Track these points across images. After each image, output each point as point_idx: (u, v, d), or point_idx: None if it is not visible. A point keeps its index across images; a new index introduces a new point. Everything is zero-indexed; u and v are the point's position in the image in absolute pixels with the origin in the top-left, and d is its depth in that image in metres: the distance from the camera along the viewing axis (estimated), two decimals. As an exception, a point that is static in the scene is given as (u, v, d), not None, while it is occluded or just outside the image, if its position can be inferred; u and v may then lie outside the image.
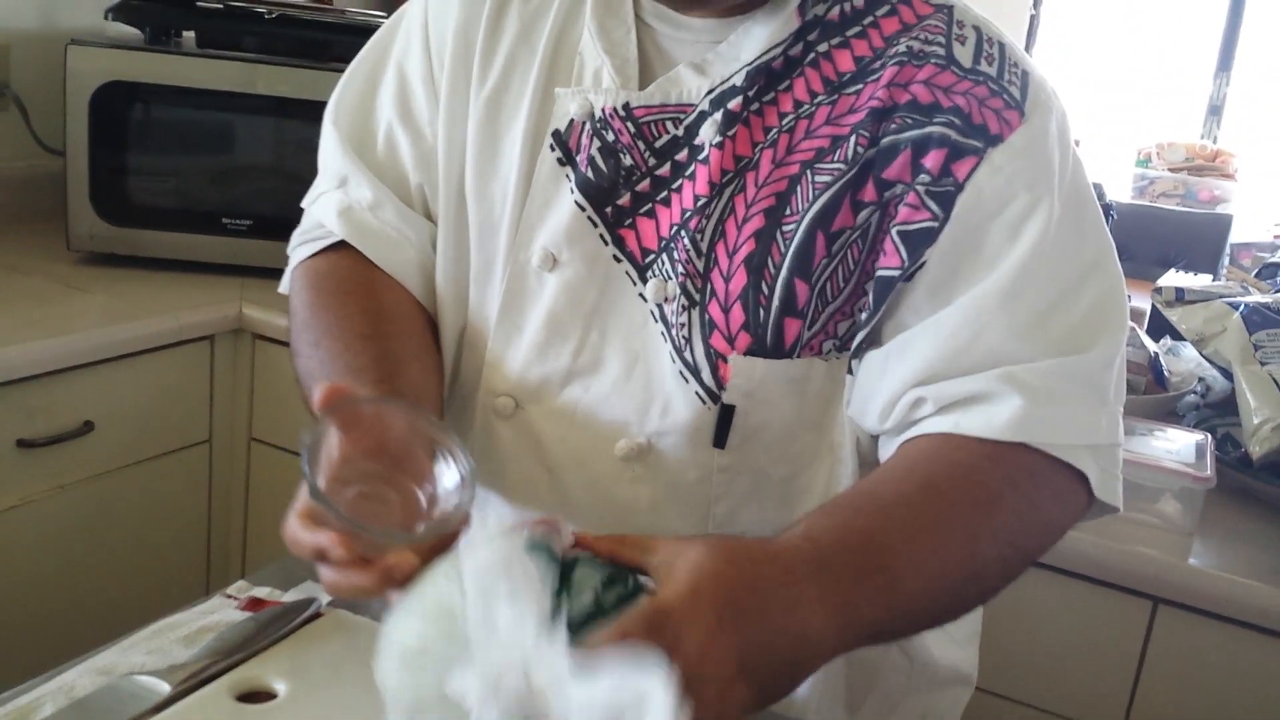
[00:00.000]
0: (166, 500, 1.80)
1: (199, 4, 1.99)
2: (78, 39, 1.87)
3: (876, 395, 0.86)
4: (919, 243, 0.83)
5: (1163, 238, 3.03)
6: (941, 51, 0.84)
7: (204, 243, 1.92)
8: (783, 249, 0.85)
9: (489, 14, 0.94)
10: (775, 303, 0.86)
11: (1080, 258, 0.85)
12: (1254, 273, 1.97)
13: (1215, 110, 3.88)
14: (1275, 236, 2.95)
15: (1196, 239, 3.11)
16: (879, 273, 0.85)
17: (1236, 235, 3.19)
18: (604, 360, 0.91)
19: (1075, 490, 0.83)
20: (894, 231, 0.84)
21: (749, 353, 0.87)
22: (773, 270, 0.86)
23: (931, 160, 0.82)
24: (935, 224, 0.82)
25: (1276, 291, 1.70)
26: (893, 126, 0.84)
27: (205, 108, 1.92)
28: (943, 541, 0.75)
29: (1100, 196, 2.46)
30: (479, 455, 0.95)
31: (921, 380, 0.83)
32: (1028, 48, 3.95)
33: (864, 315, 0.86)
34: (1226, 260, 2.98)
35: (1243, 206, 3.45)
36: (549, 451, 0.93)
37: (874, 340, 0.87)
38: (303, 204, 1.03)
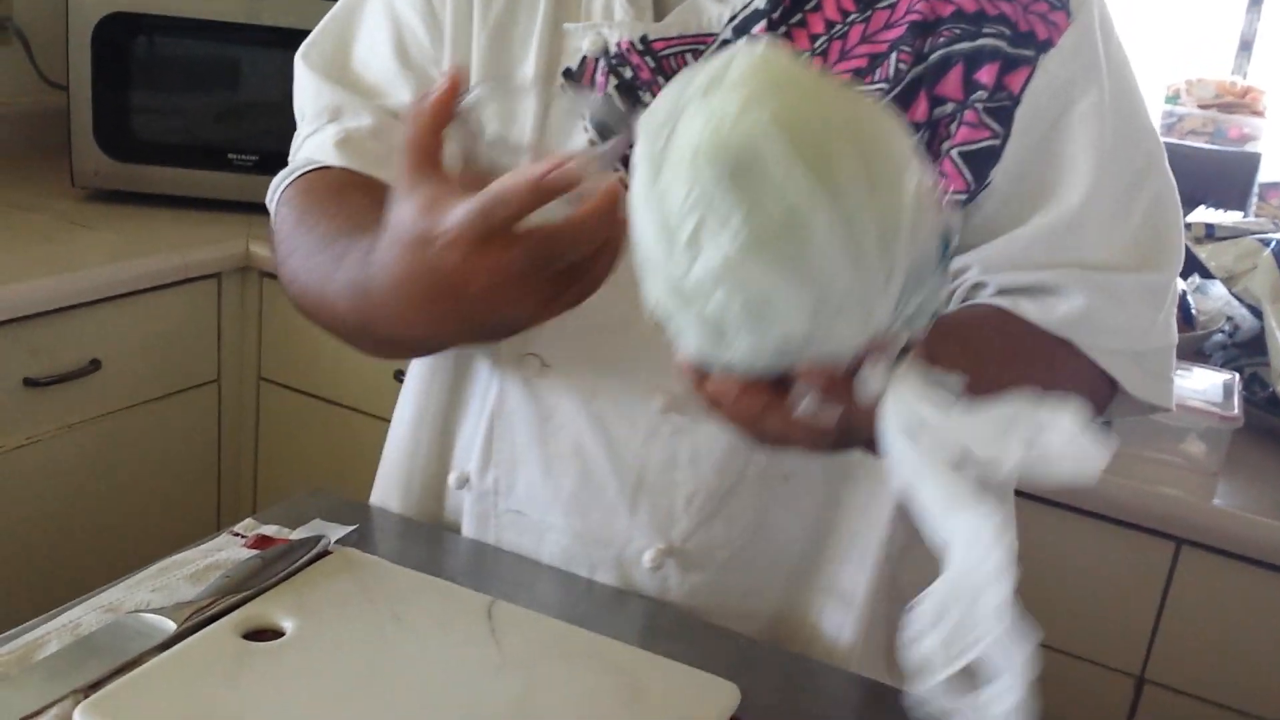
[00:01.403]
0: (175, 440, 1.79)
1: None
2: (80, -31, 1.83)
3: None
4: (984, 163, 0.81)
5: (1191, 175, 2.97)
6: None
7: (210, 179, 1.90)
8: None
9: None
10: None
11: (1135, 158, 0.84)
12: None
13: (1246, 46, 3.80)
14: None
15: (1225, 177, 3.06)
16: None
17: (1266, 174, 3.13)
18: (633, 308, 0.87)
19: (1104, 390, 0.85)
20: (954, 154, 0.81)
21: None
22: None
23: (986, 74, 0.80)
24: (997, 142, 0.80)
25: (1309, 227, 1.66)
26: (940, 40, 0.80)
27: (209, 39, 1.89)
28: (1008, 365, 0.78)
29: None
30: (504, 420, 0.92)
31: (987, 271, 0.82)
32: (1052, -19, 3.87)
33: None
34: (1255, 199, 2.93)
35: (1273, 144, 3.39)
36: (580, 411, 0.89)
37: None
38: (290, 155, 0.96)
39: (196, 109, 1.94)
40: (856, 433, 0.58)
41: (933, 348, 0.66)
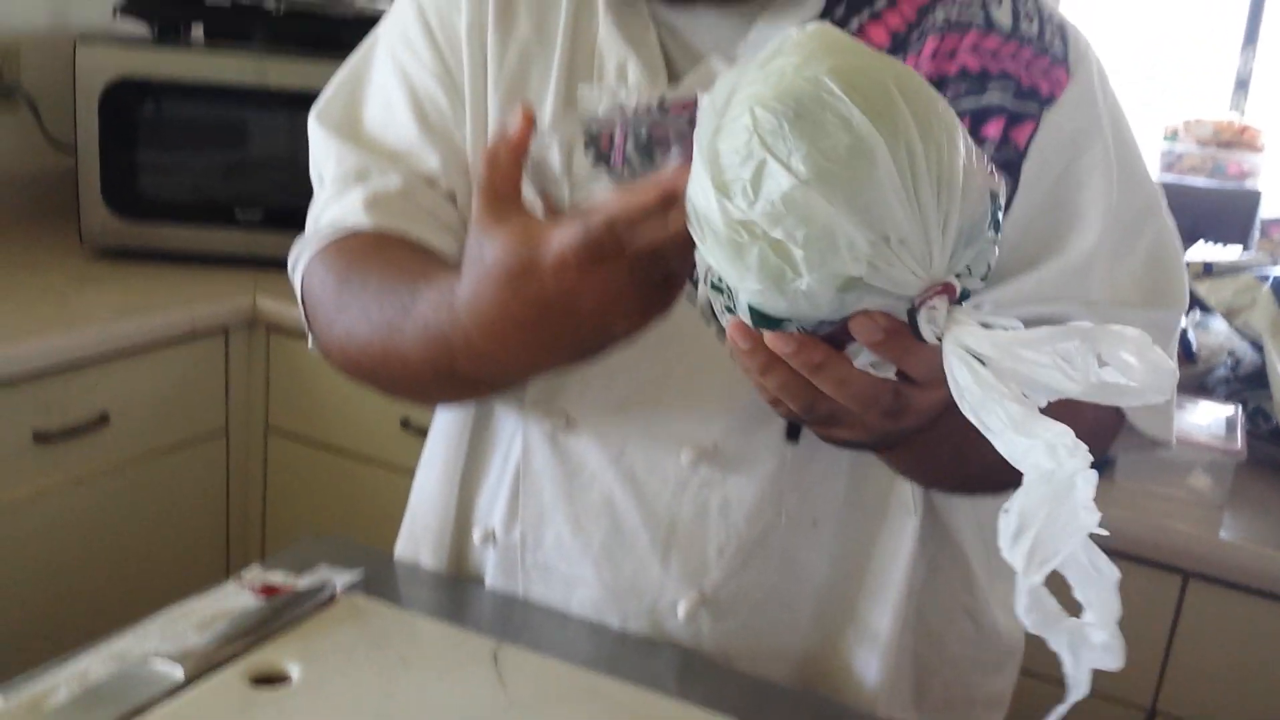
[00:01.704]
0: (184, 492, 1.80)
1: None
2: (86, 36, 1.87)
3: None
4: None
5: (1192, 213, 2.99)
6: (980, 16, 0.83)
7: (217, 235, 1.92)
8: None
9: (495, 12, 0.89)
10: None
11: (1135, 202, 0.86)
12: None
13: (1243, 84, 3.83)
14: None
15: (1226, 214, 3.08)
16: None
17: (1267, 210, 3.14)
18: (657, 364, 0.87)
19: (1111, 422, 0.86)
20: None
21: None
22: None
23: (992, 129, 0.81)
24: (1008, 193, 0.82)
25: (1307, 260, 1.67)
26: (948, 96, 0.81)
27: (215, 102, 1.92)
28: None
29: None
30: (531, 477, 0.91)
31: (999, 307, 0.82)
32: (1047, 25, 3.91)
33: None
34: (1257, 235, 2.94)
35: (1273, 180, 3.41)
36: (609, 466, 0.88)
37: None
38: (309, 219, 0.93)
39: (203, 167, 1.96)
40: (908, 407, 0.59)
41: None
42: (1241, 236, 3.04)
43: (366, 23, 1.07)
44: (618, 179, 0.85)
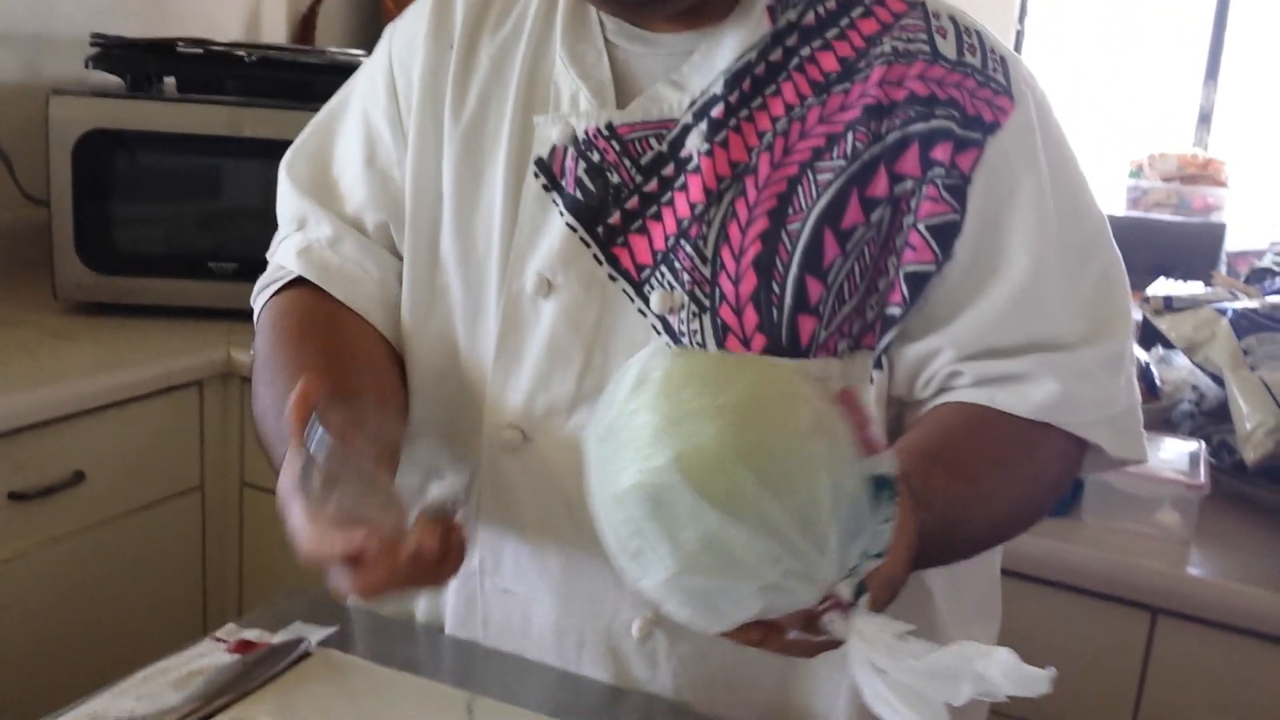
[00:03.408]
0: (160, 547, 1.79)
1: (179, 50, 2.00)
2: (59, 89, 1.88)
3: (916, 372, 0.90)
4: (948, 235, 0.86)
5: (1158, 248, 3.03)
6: (926, 47, 0.87)
7: (191, 288, 1.92)
8: (790, 248, 0.86)
9: (458, 54, 0.95)
10: (788, 301, 0.86)
11: (1081, 232, 0.90)
12: (1244, 278, 1.97)
13: (1205, 118, 3.89)
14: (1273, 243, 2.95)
15: (1192, 248, 3.11)
16: (909, 268, 0.86)
17: (1233, 243, 3.18)
18: (609, 379, 0.90)
19: (1078, 453, 0.92)
20: (921, 227, 0.86)
21: (766, 353, 0.87)
22: (781, 269, 0.86)
23: (940, 152, 0.85)
24: (956, 217, 0.85)
25: (1265, 295, 1.70)
26: (897, 121, 0.86)
27: (188, 152, 1.93)
28: (1003, 469, 0.87)
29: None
30: (490, 493, 0.94)
31: (961, 358, 0.87)
32: (1012, 64, 3.97)
33: (898, 310, 0.87)
34: (1224, 267, 2.98)
35: (1237, 213, 3.45)
36: (564, 483, 0.90)
37: (904, 334, 0.88)
38: (266, 255, 1.04)
39: (177, 219, 1.96)
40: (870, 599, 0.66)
41: (926, 480, 0.76)
42: (1208, 269, 3.07)
43: (339, 71, 1.13)
44: (571, 204, 0.88)
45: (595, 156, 0.89)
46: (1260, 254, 2.59)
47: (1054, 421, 0.87)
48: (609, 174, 0.89)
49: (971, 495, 0.83)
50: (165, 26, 2.36)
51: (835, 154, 0.86)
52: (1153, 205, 3.45)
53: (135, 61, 2.00)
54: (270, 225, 1.05)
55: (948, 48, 0.87)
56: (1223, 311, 1.59)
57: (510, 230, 0.92)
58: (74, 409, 1.61)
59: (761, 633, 0.65)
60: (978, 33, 0.89)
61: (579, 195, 0.90)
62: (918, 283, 0.86)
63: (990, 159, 0.85)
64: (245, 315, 1.85)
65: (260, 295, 1.02)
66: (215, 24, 2.48)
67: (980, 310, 0.87)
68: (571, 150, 0.90)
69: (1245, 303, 1.62)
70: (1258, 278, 1.84)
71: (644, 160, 0.89)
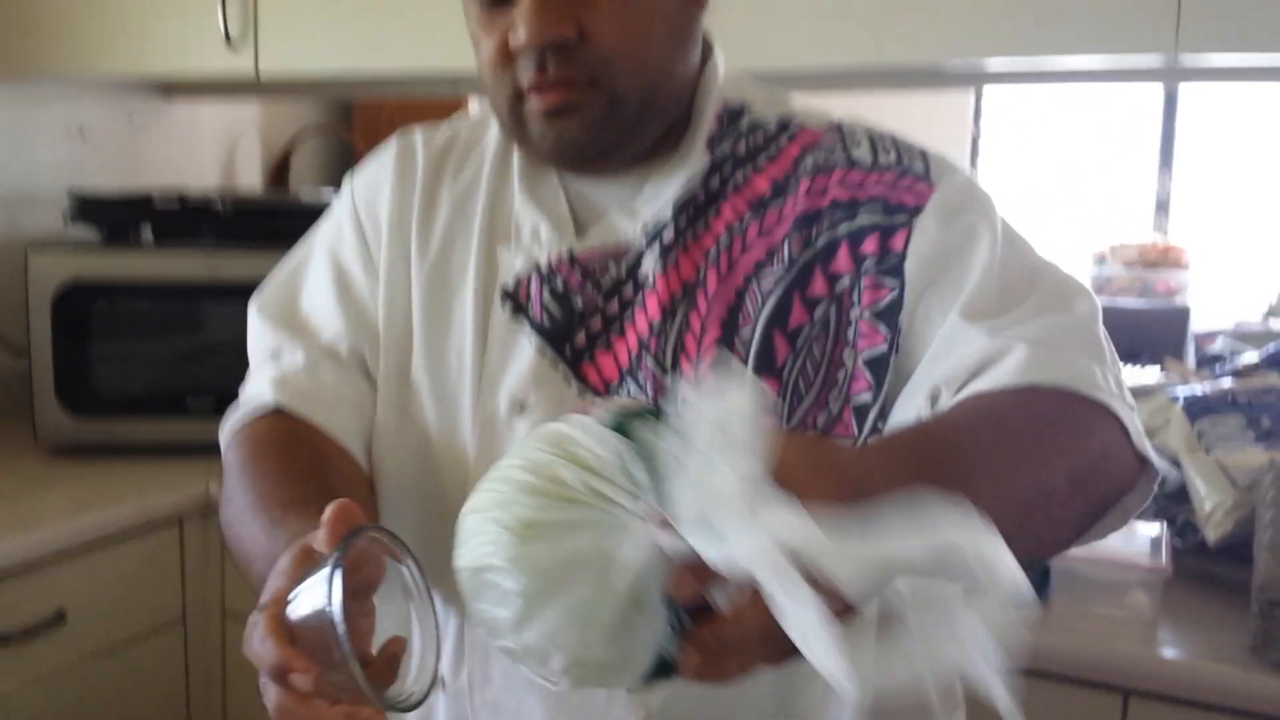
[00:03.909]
0: (144, 682, 1.79)
1: (155, 202, 2.06)
2: (37, 244, 1.93)
3: (906, 416, 0.88)
4: (892, 314, 0.89)
5: (1125, 333, 3.06)
6: (843, 156, 0.94)
7: (169, 426, 1.96)
8: (744, 353, 0.91)
9: (420, 198, 1.01)
10: None
11: (1024, 263, 0.91)
12: (1195, 363, 2.01)
13: (1162, 205, 3.98)
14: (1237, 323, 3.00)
15: (1158, 332, 3.17)
16: (866, 354, 0.90)
17: (1198, 324, 3.23)
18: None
19: (1112, 429, 0.83)
20: (866, 314, 0.90)
21: None
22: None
23: (869, 245, 0.90)
24: (897, 293, 0.89)
25: (1216, 378, 1.74)
26: (825, 225, 0.92)
27: (166, 298, 1.98)
28: (1002, 453, 0.76)
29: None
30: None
31: (931, 378, 0.86)
32: (972, 165, 4.07)
33: (868, 397, 0.90)
34: (1191, 349, 3.02)
35: (1200, 295, 3.51)
36: None
37: (885, 414, 0.90)
38: (239, 393, 1.04)
39: (155, 360, 2.00)
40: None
41: (936, 483, 0.68)
42: (1176, 351, 3.12)
43: (310, 214, 1.19)
44: (538, 328, 0.92)
45: (558, 283, 0.95)
46: (1226, 333, 2.65)
47: (1045, 380, 0.81)
48: (573, 298, 0.95)
49: (990, 485, 0.73)
50: (142, 175, 2.43)
51: (775, 262, 0.91)
52: (1117, 291, 3.52)
53: (112, 214, 2.05)
54: (246, 360, 1.07)
55: (862, 154, 0.94)
56: (1174, 398, 1.62)
57: (481, 356, 0.96)
58: (55, 551, 1.63)
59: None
60: (891, 137, 0.96)
61: (545, 321, 0.95)
62: (878, 366, 0.89)
63: (920, 234, 0.90)
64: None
65: (228, 425, 1.02)
66: (192, 172, 2.55)
67: (934, 341, 0.87)
68: (535, 278, 0.95)
69: (1196, 387, 1.66)
70: (1208, 362, 1.88)
71: (604, 283, 0.94)
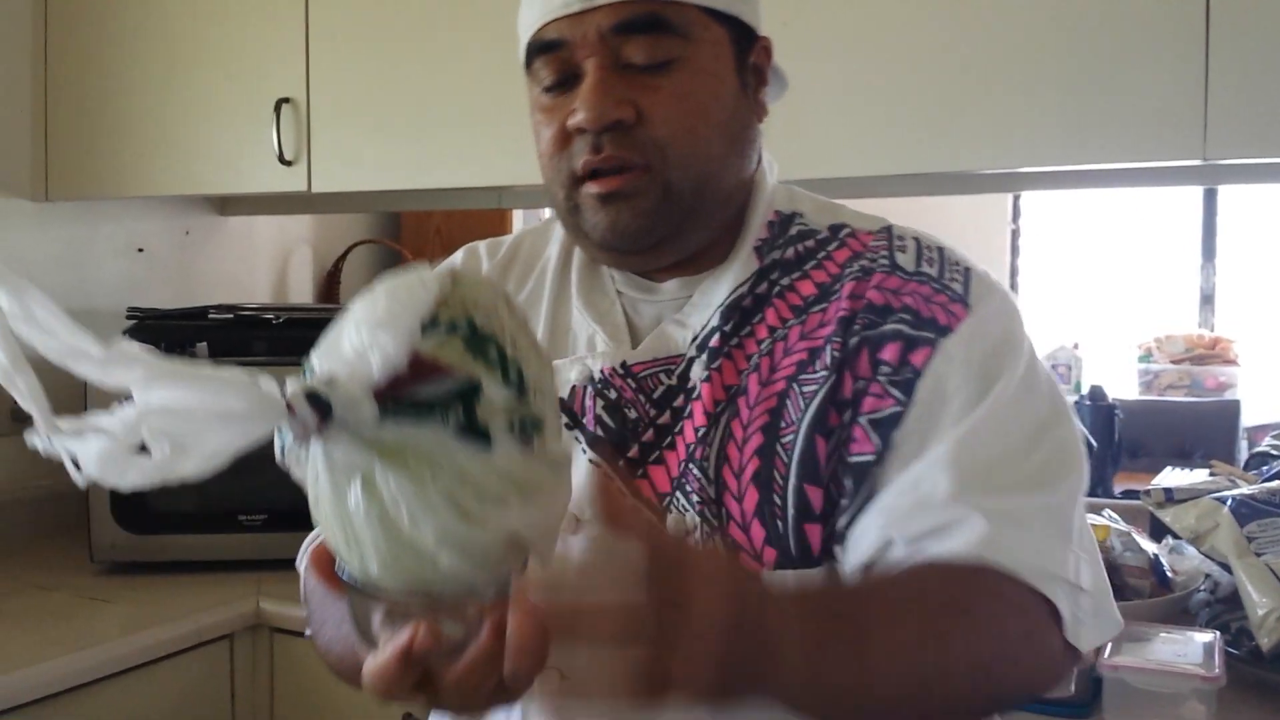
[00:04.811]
0: (194, 804, 1.79)
1: (210, 317, 2.12)
2: (97, 361, 1.98)
3: (857, 552, 0.87)
4: (888, 427, 0.88)
5: (1175, 430, 3.05)
6: (886, 261, 0.95)
7: (221, 541, 1.99)
8: (786, 460, 0.90)
9: None
10: (791, 511, 0.89)
11: (1035, 416, 0.89)
12: (1243, 463, 1.99)
13: (1208, 299, 3.97)
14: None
15: (1209, 427, 3.13)
16: (852, 459, 0.89)
17: (1249, 418, 3.20)
18: None
19: (1044, 619, 0.82)
20: (863, 420, 0.89)
21: (779, 566, 0.89)
22: (780, 481, 0.90)
23: (888, 353, 0.90)
24: (900, 409, 0.88)
25: (1263, 480, 1.72)
26: (856, 328, 0.92)
27: (218, 412, 2.01)
28: (909, 625, 0.76)
29: (1101, 398, 2.49)
30: None
31: (889, 524, 0.85)
32: (1011, 260, 4.08)
33: (844, 501, 0.89)
34: (1244, 444, 2.98)
35: (1251, 389, 3.48)
36: None
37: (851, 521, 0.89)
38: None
39: (210, 475, 2.03)
40: (679, 616, 0.61)
41: (830, 636, 0.70)
42: (1228, 446, 3.08)
43: None
44: (592, 441, 0.93)
45: (612, 394, 0.96)
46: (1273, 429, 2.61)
47: (991, 559, 0.80)
48: (626, 410, 0.96)
49: (864, 632, 0.74)
50: (197, 293, 2.50)
51: (818, 366, 0.92)
52: (1165, 388, 3.48)
53: (169, 330, 2.10)
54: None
55: (906, 260, 0.95)
56: (1223, 500, 1.61)
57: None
58: (108, 671, 1.64)
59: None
60: (939, 248, 0.97)
61: (599, 432, 0.96)
62: (859, 473, 0.88)
63: (941, 359, 0.89)
64: (274, 565, 1.93)
65: (306, 548, 1.02)
66: (245, 287, 2.62)
67: (911, 471, 0.86)
68: (590, 389, 0.97)
69: (1244, 489, 1.65)
70: (1257, 462, 1.87)
71: (656, 394, 0.96)
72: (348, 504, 0.61)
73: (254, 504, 1.99)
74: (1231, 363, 3.65)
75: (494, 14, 1.85)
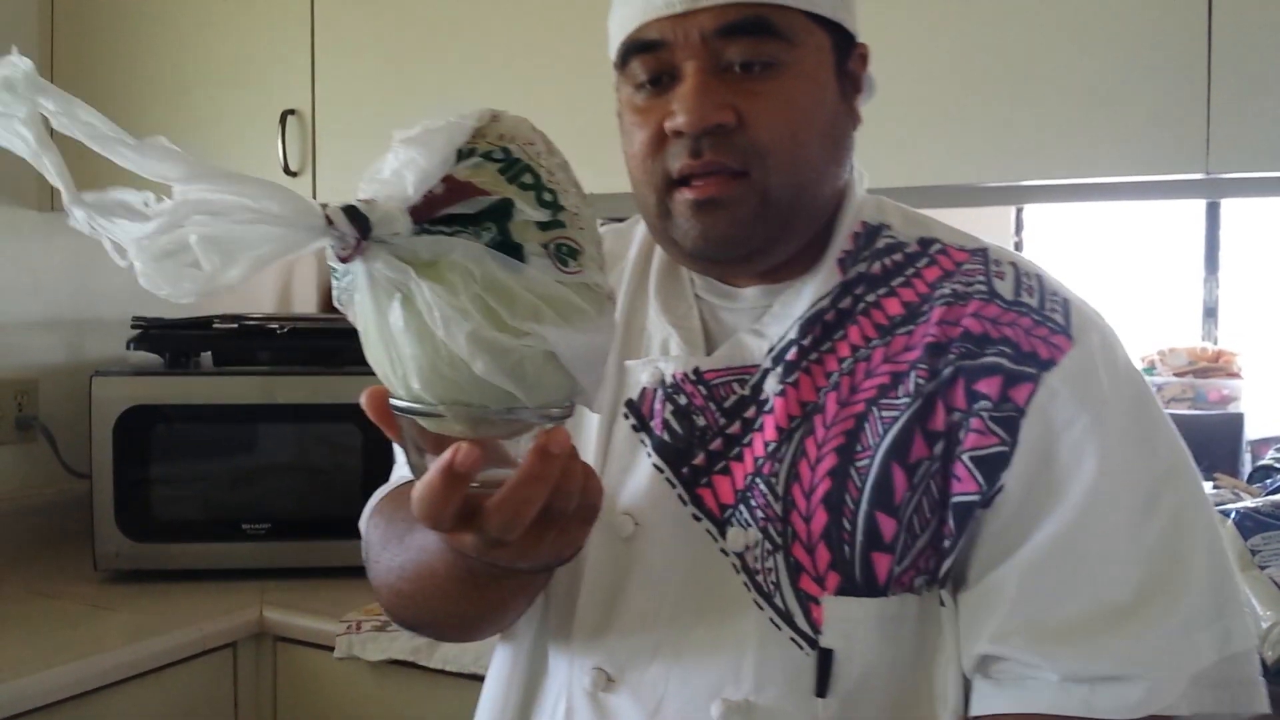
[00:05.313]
0: (196, 814, 1.79)
1: (215, 327, 2.12)
2: (101, 369, 1.99)
3: (968, 642, 0.87)
4: (994, 467, 0.85)
5: (1179, 443, 3.04)
6: (984, 288, 0.91)
7: (225, 550, 1.99)
8: (859, 484, 0.88)
9: None
10: (859, 538, 0.87)
11: (1150, 471, 0.86)
12: (1247, 476, 1.99)
13: (1210, 312, 3.96)
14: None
15: (1212, 440, 3.12)
16: (955, 499, 0.86)
17: (1253, 430, 3.19)
18: (691, 621, 0.91)
19: None
20: (965, 457, 0.86)
21: (840, 592, 0.87)
22: (852, 506, 0.87)
23: (987, 386, 0.86)
24: (1005, 449, 0.85)
25: (1267, 494, 1.72)
26: (951, 356, 0.88)
27: (224, 421, 2.02)
28: None
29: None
30: None
31: (996, 637, 0.84)
32: (1015, 273, 4.07)
33: (947, 543, 0.87)
34: (1248, 457, 2.98)
35: (1255, 402, 3.47)
36: None
37: (961, 574, 0.88)
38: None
39: (212, 484, 2.03)
40: None
41: None
42: (1232, 459, 3.07)
43: None
44: (658, 445, 0.93)
45: (682, 400, 0.94)
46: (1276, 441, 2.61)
47: (1039, 711, 0.82)
48: (695, 417, 0.94)
49: None
50: (202, 303, 2.50)
51: (900, 391, 0.89)
52: (1169, 401, 3.47)
53: (173, 340, 2.11)
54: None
55: (1005, 288, 0.91)
56: (1227, 514, 1.61)
57: (601, 469, 0.95)
58: (112, 679, 1.64)
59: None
60: (1038, 276, 0.93)
61: (666, 437, 0.94)
62: (962, 514, 0.86)
63: (1045, 394, 0.85)
64: (277, 574, 1.94)
65: (366, 510, 1.06)
66: (250, 297, 2.63)
67: (1029, 549, 0.84)
68: (660, 393, 0.95)
69: (1248, 502, 1.64)
70: (1260, 476, 1.86)
71: (728, 403, 0.93)
72: (389, 323, 0.63)
73: (258, 513, 1.99)
74: (1235, 376, 3.64)
75: (499, 27, 1.86)
